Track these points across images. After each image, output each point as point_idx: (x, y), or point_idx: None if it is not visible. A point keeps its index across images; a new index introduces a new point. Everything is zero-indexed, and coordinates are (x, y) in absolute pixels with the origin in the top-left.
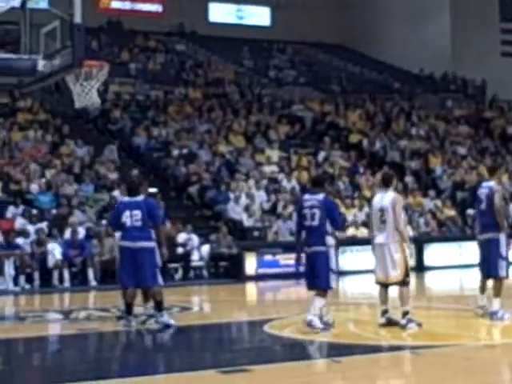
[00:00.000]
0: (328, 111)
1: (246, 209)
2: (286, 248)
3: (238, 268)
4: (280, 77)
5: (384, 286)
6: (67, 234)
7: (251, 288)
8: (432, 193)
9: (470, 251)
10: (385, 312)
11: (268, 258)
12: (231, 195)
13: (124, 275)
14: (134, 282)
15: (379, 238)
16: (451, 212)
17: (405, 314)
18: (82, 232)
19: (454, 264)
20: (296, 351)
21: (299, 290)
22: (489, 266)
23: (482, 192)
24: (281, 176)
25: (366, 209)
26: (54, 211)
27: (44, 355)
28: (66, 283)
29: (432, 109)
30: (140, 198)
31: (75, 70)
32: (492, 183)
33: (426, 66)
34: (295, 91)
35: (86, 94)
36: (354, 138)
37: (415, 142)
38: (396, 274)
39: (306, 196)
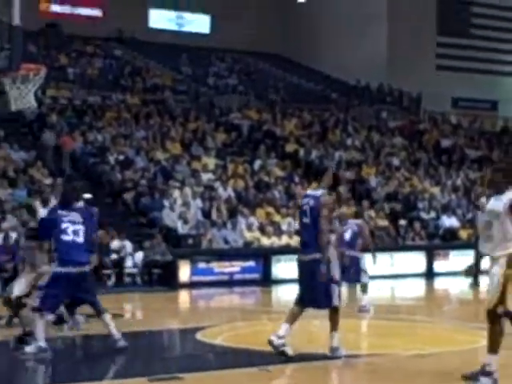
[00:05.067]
0: (265, 120)
1: (181, 216)
2: (221, 256)
3: (172, 275)
4: (218, 84)
5: None
6: None
7: (185, 296)
8: (366, 203)
9: (402, 261)
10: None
11: (202, 265)
12: (166, 202)
13: None
14: None
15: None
16: (384, 222)
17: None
18: (14, 237)
19: (386, 274)
20: (228, 359)
21: (232, 298)
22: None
23: (307, 202)
24: (217, 184)
25: None
26: None
27: None
28: None
29: (367, 120)
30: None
31: (12, 72)
32: (320, 191)
33: (362, 77)
34: (233, 99)
35: (23, 97)
36: (290, 148)
37: (350, 152)
38: None
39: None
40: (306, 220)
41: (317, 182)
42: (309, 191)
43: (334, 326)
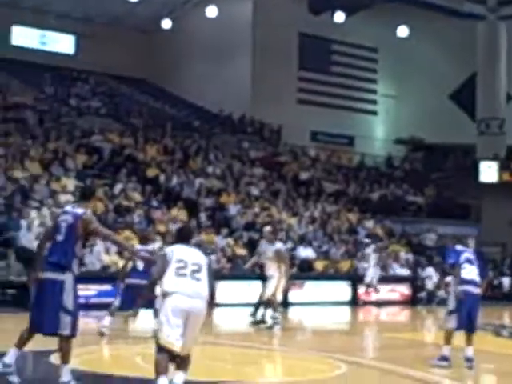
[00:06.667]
0: (127, 144)
1: (38, 237)
2: (77, 278)
3: (27, 296)
4: (81, 106)
5: None
6: None
7: None
8: (225, 231)
9: (258, 289)
10: None
11: None
12: (23, 222)
13: None
14: None
15: None
16: (242, 251)
17: None
18: None
19: (243, 302)
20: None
21: (88, 321)
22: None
23: (64, 219)
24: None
25: (158, 243)
26: None
27: None
28: None
29: (229, 149)
30: None
31: None
32: (80, 209)
33: (225, 106)
34: (95, 121)
35: None
36: (151, 172)
37: (211, 180)
38: None
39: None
40: (60, 237)
41: (82, 198)
42: (68, 208)
43: (64, 357)
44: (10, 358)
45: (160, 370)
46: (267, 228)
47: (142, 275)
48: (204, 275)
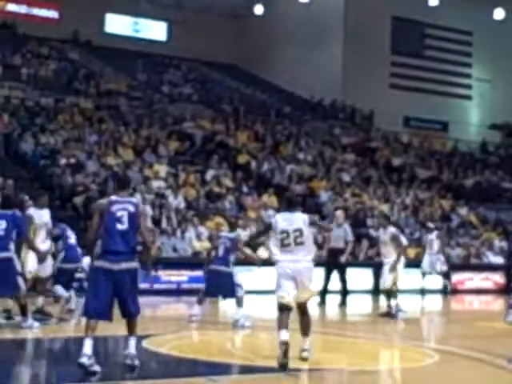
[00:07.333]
0: (218, 130)
1: None
2: (168, 264)
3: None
4: (173, 93)
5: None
6: None
7: None
8: (315, 217)
9: (349, 277)
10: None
11: None
12: None
13: None
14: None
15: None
16: None
17: None
18: None
19: (333, 289)
20: (173, 368)
21: (179, 307)
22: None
23: (122, 208)
24: (168, 192)
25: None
26: None
27: None
28: None
29: (320, 135)
30: (10, 211)
31: None
32: (135, 199)
33: (316, 92)
34: (187, 108)
35: None
36: (242, 159)
37: (302, 166)
38: None
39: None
40: (122, 227)
41: (121, 188)
42: (116, 198)
43: (133, 330)
44: (88, 349)
45: (281, 325)
46: (338, 212)
47: (220, 261)
48: (306, 236)
